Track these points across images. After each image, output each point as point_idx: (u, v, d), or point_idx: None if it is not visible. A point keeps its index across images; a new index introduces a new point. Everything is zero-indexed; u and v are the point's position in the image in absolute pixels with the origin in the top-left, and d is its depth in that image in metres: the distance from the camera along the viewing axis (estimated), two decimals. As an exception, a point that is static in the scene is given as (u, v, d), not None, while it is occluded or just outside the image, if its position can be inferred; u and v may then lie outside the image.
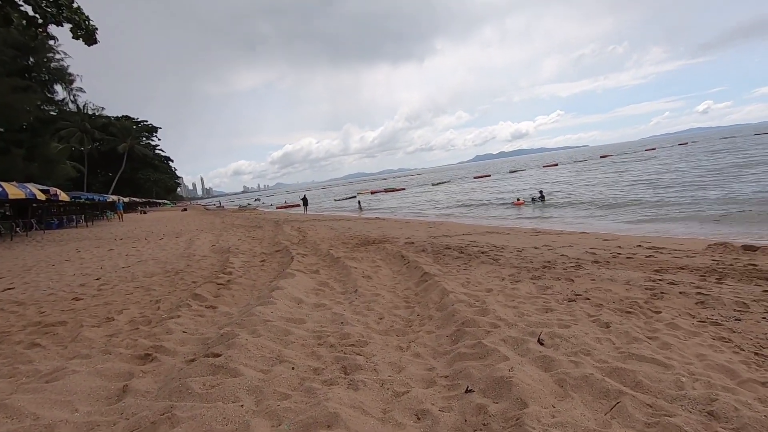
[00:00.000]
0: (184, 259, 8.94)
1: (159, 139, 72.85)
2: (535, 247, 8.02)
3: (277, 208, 51.95)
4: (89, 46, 16.07)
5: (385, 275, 5.85)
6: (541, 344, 2.87)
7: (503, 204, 24.35)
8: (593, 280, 4.83)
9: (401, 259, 6.82)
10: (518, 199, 23.99)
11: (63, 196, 20.03)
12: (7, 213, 25.68)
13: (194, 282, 6.02)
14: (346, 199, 55.44)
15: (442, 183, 64.90)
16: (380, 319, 3.83)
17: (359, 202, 36.03)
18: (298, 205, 54.03)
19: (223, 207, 61.97)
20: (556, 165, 74.00)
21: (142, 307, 4.60)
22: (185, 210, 57.81)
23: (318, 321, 3.73)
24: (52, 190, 18.69)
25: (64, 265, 9.29)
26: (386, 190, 63.05)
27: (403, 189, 62.66)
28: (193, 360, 2.89)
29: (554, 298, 4.15)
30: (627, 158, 64.37)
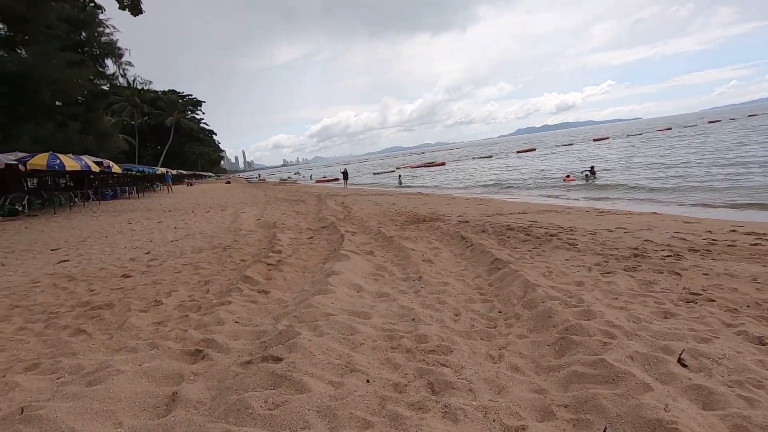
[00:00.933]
0: (230, 234, 8.75)
1: (203, 113, 74.67)
2: (609, 230, 7.13)
3: (317, 181, 52.26)
4: (135, 16, 16.09)
5: (447, 259, 5.28)
6: (684, 366, 2.22)
7: (552, 180, 22.92)
8: (706, 274, 4.03)
9: (461, 240, 6.21)
10: (568, 176, 22.47)
11: (115, 168, 20.70)
12: (69, 184, 27.10)
13: (243, 260, 5.71)
14: (385, 173, 54.84)
15: (484, 158, 62.70)
16: (456, 315, 3.28)
17: (399, 176, 35.33)
18: (337, 180, 54.16)
19: (265, 180, 63.16)
20: (608, 139, 69.44)
21: (190, 288, 4.30)
22: (229, 182, 59.36)
23: (385, 315, 3.23)
24: (105, 162, 19.30)
25: (116, 237, 9.38)
26: (426, 165, 61.76)
27: (443, 164, 61.10)
28: (249, 362, 2.47)
29: (666, 297, 3.43)
30: (689, 131, 59.19)
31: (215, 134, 79.02)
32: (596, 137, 78.71)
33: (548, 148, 68.41)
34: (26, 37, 20.69)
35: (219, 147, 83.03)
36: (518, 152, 65.06)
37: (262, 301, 3.79)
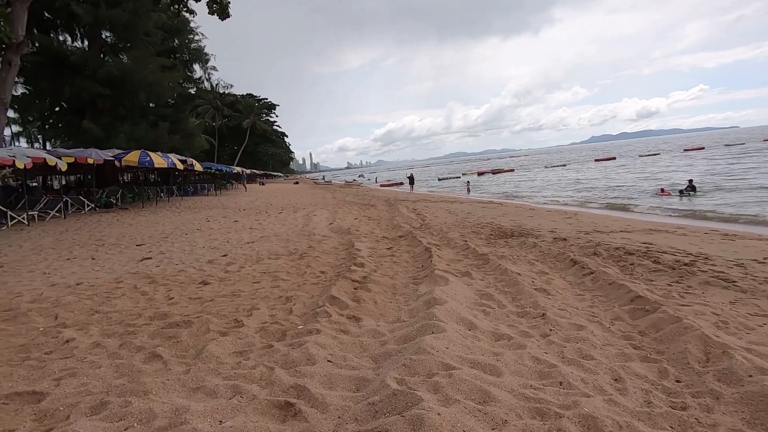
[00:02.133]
0: (305, 238, 8.42)
1: (277, 116, 78.23)
2: (759, 262, 5.73)
3: (381, 185, 52.29)
4: (222, 20, 16.75)
5: (563, 289, 4.36)
6: None
7: (643, 193, 20.49)
8: None
9: (573, 265, 5.23)
10: (663, 189, 19.95)
11: (197, 167, 21.81)
12: (157, 179, 29.25)
13: (322, 272, 5.21)
14: (451, 178, 53.53)
15: (558, 166, 59.01)
16: (616, 380, 2.43)
17: (468, 182, 34.03)
18: (401, 184, 53.79)
19: (331, 182, 64.56)
20: (702, 149, 62.25)
21: (271, 305, 3.82)
22: (297, 183, 61.43)
23: (518, 372, 2.46)
24: (189, 160, 20.37)
25: (195, 234, 9.47)
26: (494, 171, 59.43)
27: (513, 170, 58.44)
28: (357, 437, 1.83)
29: None
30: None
31: (287, 136, 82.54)
32: (688, 147, 71.02)
33: (630, 157, 62.84)
34: (128, 44, 22.51)
35: (289, 149, 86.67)
36: (597, 161, 60.45)
37: (354, 331, 3.19)
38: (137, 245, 8.19)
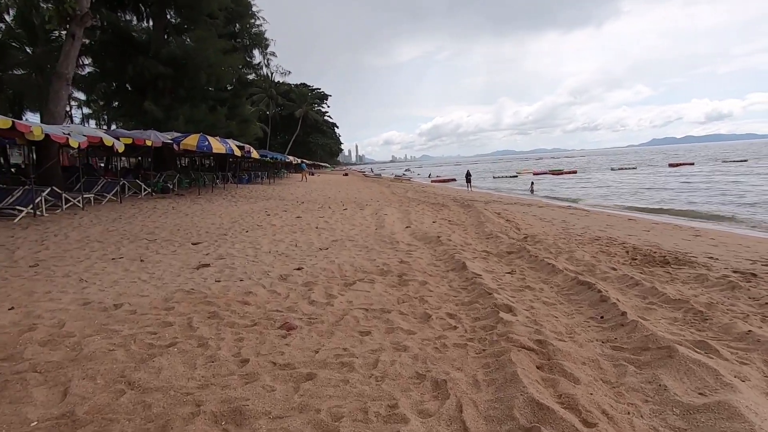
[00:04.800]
0: (388, 247, 6.80)
1: (328, 107, 77.78)
2: None
3: (432, 181, 50.18)
4: None
5: None
6: None
7: (741, 205, 17.22)
8: None
9: None
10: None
11: (254, 154, 20.94)
12: (212, 165, 28.99)
13: (451, 316, 3.52)
14: (507, 177, 50.48)
15: (627, 169, 54.17)
16: None
17: (532, 183, 31.30)
18: (453, 180, 51.41)
19: (380, 175, 63.19)
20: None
21: (418, 403, 2.16)
22: (346, 175, 60.58)
23: None
24: (247, 147, 19.46)
25: (256, 233, 8.12)
26: (553, 172, 55.52)
27: (574, 172, 54.30)
28: None
29: None
30: None
31: (337, 127, 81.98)
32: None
33: (708, 163, 56.59)
34: (191, 25, 21.91)
35: (339, 140, 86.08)
36: (671, 165, 54.94)
37: None
38: (193, 243, 6.91)
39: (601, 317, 3.54)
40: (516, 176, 52.24)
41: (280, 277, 4.86)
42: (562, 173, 54.21)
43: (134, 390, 2.23)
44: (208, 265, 5.43)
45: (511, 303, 3.73)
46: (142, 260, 5.71)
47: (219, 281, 4.66)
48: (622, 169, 54.29)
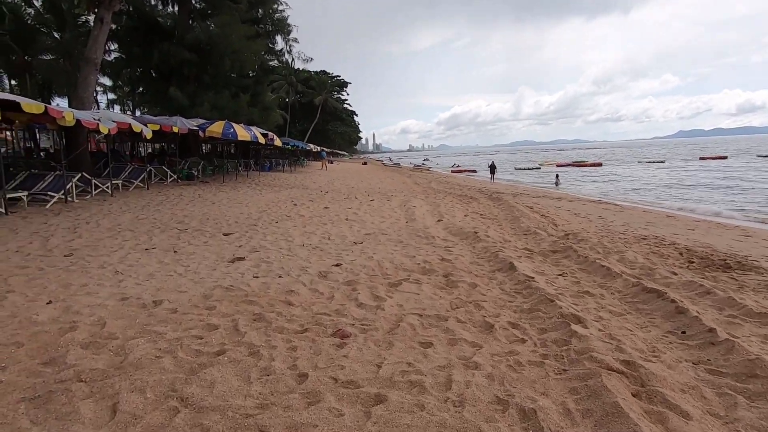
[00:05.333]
0: (424, 242, 6.51)
1: (348, 94, 77.17)
2: None
3: (452, 171, 49.45)
4: None
5: None
6: None
7: None
8: None
9: None
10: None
11: (277, 141, 20.79)
12: (233, 152, 29.05)
13: (513, 326, 3.22)
14: (529, 169, 49.37)
15: (655, 162, 52.35)
16: None
17: (557, 175, 30.44)
18: (474, 171, 50.53)
19: (399, 164, 62.63)
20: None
21: (488, 419, 1.89)
22: (365, 164, 60.26)
23: None
24: (270, 134, 19.32)
25: (286, 224, 7.92)
26: (576, 164, 54.04)
27: (600, 164, 52.74)
28: None
29: None
30: None
31: (357, 115, 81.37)
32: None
33: (742, 156, 54.24)
34: (215, 10, 21.71)
35: (358, 128, 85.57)
36: (702, 159, 52.86)
37: None
38: (224, 234, 6.75)
39: (683, 332, 3.19)
40: (539, 168, 51.07)
41: (320, 274, 4.63)
42: (586, 165, 52.74)
43: (188, 408, 2.01)
44: (243, 259, 5.24)
45: (577, 312, 3.40)
46: (175, 251, 5.56)
47: (257, 277, 4.46)
48: (650, 162, 52.49)
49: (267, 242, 6.29)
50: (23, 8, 20.78)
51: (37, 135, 24.14)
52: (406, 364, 2.50)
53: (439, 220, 8.99)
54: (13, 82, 22.62)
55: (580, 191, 24.10)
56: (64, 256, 5.13)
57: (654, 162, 52.25)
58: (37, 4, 21.81)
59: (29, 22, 20.81)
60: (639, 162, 53.79)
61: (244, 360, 2.50)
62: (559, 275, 4.94)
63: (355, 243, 6.40)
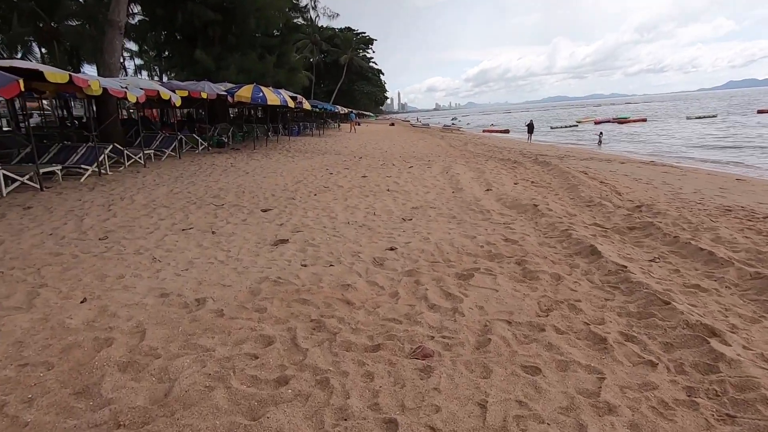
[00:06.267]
0: (479, 218, 5.86)
1: (373, 52, 74.27)
2: None
3: (484, 131, 47.43)
4: None
5: None
6: None
7: None
8: None
9: None
10: None
11: (306, 105, 20.05)
12: (260, 116, 28.48)
13: (633, 341, 2.61)
14: (566, 127, 46.72)
15: (705, 117, 48.41)
16: None
17: (601, 134, 28.46)
18: (507, 131, 48.29)
19: (429, 125, 60.67)
20: None
21: None
22: (393, 125, 58.79)
23: None
24: (299, 97, 18.57)
25: (326, 197, 7.39)
26: (618, 120, 50.68)
27: (644, 120, 49.28)
28: None
29: None
30: None
31: (383, 73, 78.52)
32: None
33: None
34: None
35: (384, 87, 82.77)
36: (761, 112, 48.48)
37: None
38: (263, 210, 6.30)
39: None
40: (576, 125, 48.29)
41: (374, 261, 4.10)
42: (628, 122, 49.46)
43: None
44: (286, 241, 4.77)
45: (705, 320, 2.74)
46: (213, 232, 5.15)
47: (305, 265, 3.98)
48: (700, 118, 48.58)
49: (309, 219, 5.80)
50: (45, -28, 20.23)
51: (71, 103, 24.28)
52: (516, 404, 1.95)
53: (488, 190, 8.26)
54: (43, 50, 22.52)
55: (628, 151, 22.43)
56: (99, 239, 4.81)
57: (705, 117, 48.36)
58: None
59: (52, -14, 20.30)
60: (688, 118, 49.88)
61: (313, 394, 2.02)
62: (651, 261, 4.23)
63: (404, 219, 5.83)
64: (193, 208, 6.41)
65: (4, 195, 6.81)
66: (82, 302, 3.17)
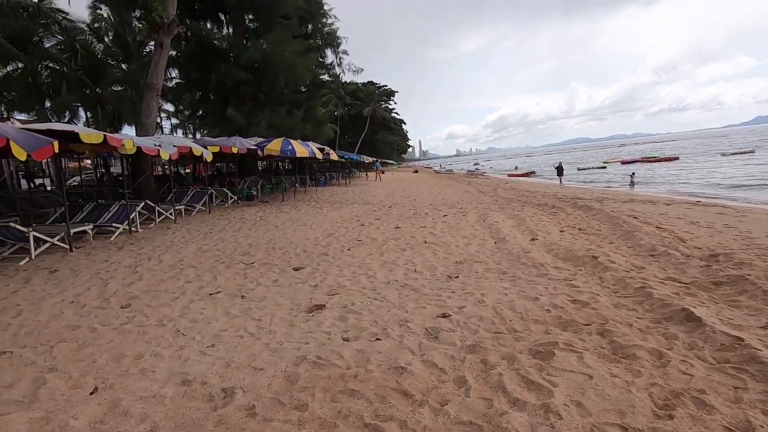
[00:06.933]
0: (534, 273, 5.22)
1: (395, 103, 76.74)
2: None
3: (509, 175, 47.00)
4: None
5: None
6: None
7: None
8: None
9: None
10: None
11: (333, 155, 20.25)
12: (288, 168, 29.07)
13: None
14: (594, 168, 45.75)
15: (742, 153, 46.63)
16: None
17: (633, 174, 27.49)
18: (533, 172, 47.70)
19: (453, 171, 60.84)
20: None
21: None
22: (416, 172, 59.24)
23: None
24: (326, 148, 18.78)
25: (360, 251, 6.90)
26: (647, 160, 49.40)
27: (676, 159, 47.87)
28: None
29: None
30: None
31: (405, 123, 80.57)
32: None
33: None
34: (268, 29, 21.76)
35: (407, 136, 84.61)
36: (801, 146, 46.40)
37: None
38: (294, 269, 5.86)
39: None
40: (604, 167, 47.29)
41: (427, 332, 3.52)
42: (659, 160, 48.17)
43: None
44: (322, 306, 4.25)
45: None
46: (243, 296, 4.70)
47: (347, 339, 3.42)
48: (736, 154, 46.83)
49: (345, 279, 5.30)
50: (94, 44, 21.96)
51: (110, 162, 25.45)
52: None
53: (533, 239, 7.61)
54: (88, 114, 24.00)
55: (668, 191, 21.36)
56: (121, 307, 4.42)
57: (742, 153, 46.60)
58: (107, 40, 23.02)
59: (99, 56, 21.93)
60: (723, 155, 48.17)
61: None
62: (764, 328, 3.47)
63: (450, 277, 5.24)
64: (221, 267, 6.04)
65: (33, 257, 6.65)
66: (92, 393, 2.69)
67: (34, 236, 6.66)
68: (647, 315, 3.82)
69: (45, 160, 19.21)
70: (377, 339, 3.41)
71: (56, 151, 5.79)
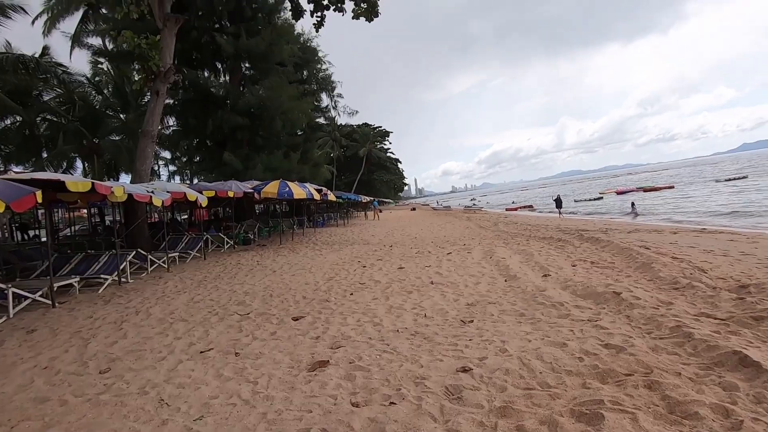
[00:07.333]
0: (554, 314, 4.80)
1: (390, 143, 78.12)
2: None
3: (507, 209, 47.04)
4: (370, 21, 14.73)
5: None
6: None
7: None
8: None
9: None
10: None
11: (331, 196, 20.10)
12: (285, 210, 28.86)
13: None
14: (591, 200, 45.92)
15: (736, 179, 47.11)
16: None
17: (633, 204, 27.42)
18: (530, 207, 47.78)
19: (450, 207, 60.96)
20: None
21: None
22: (414, 209, 59.28)
23: None
24: (324, 189, 18.64)
25: (363, 295, 6.46)
26: (644, 189, 49.77)
27: (671, 187, 48.25)
28: None
29: None
30: None
31: (400, 162, 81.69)
32: None
33: None
34: (264, 76, 22.24)
35: (403, 174, 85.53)
36: (793, 171, 47.00)
37: None
38: (294, 319, 5.40)
39: None
40: (601, 198, 47.49)
41: (448, 392, 3.06)
42: (655, 189, 48.55)
43: None
44: (326, 363, 3.79)
45: None
46: (237, 353, 4.23)
47: (356, 405, 2.96)
48: (730, 179, 47.29)
49: (349, 329, 4.84)
50: (92, 96, 22.30)
51: (105, 210, 25.19)
52: None
53: (545, 275, 7.22)
54: (85, 164, 24.02)
55: (669, 219, 21.17)
56: (100, 372, 3.93)
57: (735, 179, 47.06)
58: (106, 92, 23.44)
59: (97, 107, 22.22)
60: (717, 181, 48.63)
61: None
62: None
63: (464, 322, 4.80)
64: (214, 320, 5.57)
65: (12, 316, 6.17)
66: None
67: (13, 293, 6.21)
68: (693, 360, 3.39)
69: (41, 211, 18.89)
70: (391, 403, 2.94)
71: (39, 201, 5.48)
